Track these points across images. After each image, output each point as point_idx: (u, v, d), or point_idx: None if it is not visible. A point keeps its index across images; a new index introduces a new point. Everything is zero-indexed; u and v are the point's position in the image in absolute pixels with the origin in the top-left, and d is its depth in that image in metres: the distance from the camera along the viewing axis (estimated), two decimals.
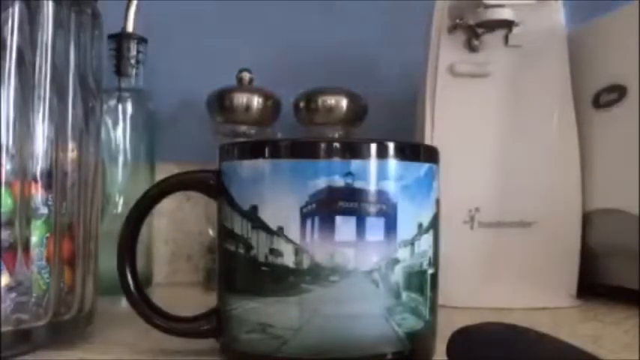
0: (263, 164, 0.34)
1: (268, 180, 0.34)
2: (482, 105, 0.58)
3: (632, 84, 0.55)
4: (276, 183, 0.34)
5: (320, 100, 0.65)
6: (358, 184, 0.33)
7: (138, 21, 0.62)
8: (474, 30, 0.58)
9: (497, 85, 0.58)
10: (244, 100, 0.64)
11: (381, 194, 0.34)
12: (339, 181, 0.33)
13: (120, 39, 0.62)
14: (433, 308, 0.36)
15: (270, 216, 0.34)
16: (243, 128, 0.65)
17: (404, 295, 0.34)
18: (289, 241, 0.33)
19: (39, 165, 0.37)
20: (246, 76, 0.66)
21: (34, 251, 0.36)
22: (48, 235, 0.37)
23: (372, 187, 0.33)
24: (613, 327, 0.47)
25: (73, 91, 0.39)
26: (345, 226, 0.33)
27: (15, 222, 0.35)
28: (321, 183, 0.33)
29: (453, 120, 0.58)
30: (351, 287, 0.33)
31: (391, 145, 0.34)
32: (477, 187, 0.57)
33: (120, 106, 0.62)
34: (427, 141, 0.57)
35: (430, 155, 0.37)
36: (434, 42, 0.60)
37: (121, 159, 0.62)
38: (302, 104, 0.66)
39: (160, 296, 0.38)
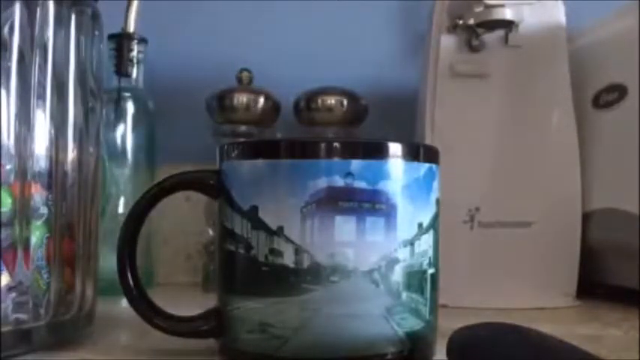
0: (263, 164, 0.34)
1: (268, 180, 0.34)
2: (482, 105, 0.58)
3: (632, 84, 0.55)
4: (276, 183, 0.34)
5: (320, 100, 0.65)
6: (358, 184, 0.33)
7: (138, 21, 0.62)
8: (474, 30, 0.58)
9: (497, 85, 0.58)
10: (244, 100, 0.64)
11: (381, 194, 0.34)
12: (339, 181, 0.33)
13: (120, 39, 0.62)
14: (433, 308, 0.36)
15: (270, 216, 0.34)
16: (243, 128, 0.65)
17: (404, 295, 0.34)
18: (289, 241, 0.33)
19: (39, 165, 0.37)
20: (246, 76, 0.66)
21: (34, 251, 0.36)
22: (48, 235, 0.37)
23: (371, 187, 0.33)
24: (613, 327, 0.47)
25: (73, 91, 0.39)
26: (345, 226, 0.33)
27: (15, 222, 0.35)
28: (321, 183, 0.33)
29: (453, 120, 0.58)
30: (351, 287, 0.33)
31: (391, 145, 0.34)
32: (476, 187, 0.57)
33: (120, 106, 0.62)
34: (427, 141, 0.57)
35: (430, 155, 0.37)
36: (434, 42, 0.60)
37: (121, 159, 0.62)
38: (302, 104, 0.66)
39: (160, 296, 0.38)
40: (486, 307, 0.52)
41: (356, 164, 0.33)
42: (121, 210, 0.61)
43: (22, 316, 0.36)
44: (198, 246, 0.68)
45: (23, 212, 0.36)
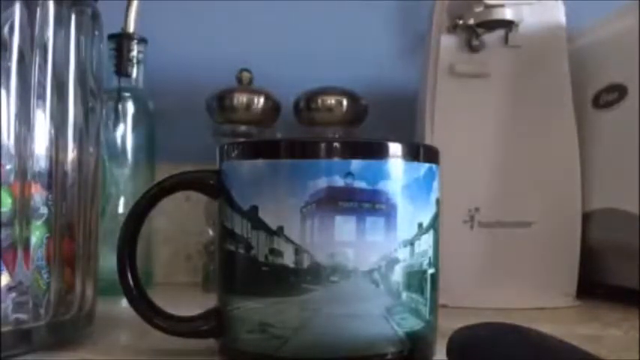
0: (263, 164, 0.34)
1: (268, 180, 0.34)
2: (482, 105, 0.58)
3: (632, 84, 0.55)
4: (276, 183, 0.34)
5: (320, 100, 0.65)
6: (358, 184, 0.33)
7: (138, 21, 0.62)
8: (474, 30, 0.58)
9: (497, 85, 0.58)
10: (244, 100, 0.64)
11: (381, 194, 0.34)
12: (339, 181, 0.33)
13: (120, 39, 0.62)
14: (433, 308, 0.36)
15: (270, 216, 0.34)
16: (243, 128, 0.65)
17: (404, 295, 0.34)
18: (289, 241, 0.33)
19: (39, 165, 0.37)
20: (246, 76, 0.66)
21: (34, 251, 0.36)
22: (48, 235, 0.37)
23: (371, 187, 0.33)
24: (613, 327, 0.47)
25: (73, 91, 0.39)
26: (345, 226, 0.33)
27: (15, 222, 0.35)
28: (321, 183, 0.33)
29: (453, 120, 0.58)
30: (351, 287, 0.33)
31: (391, 145, 0.34)
32: (477, 187, 0.57)
33: (120, 106, 0.62)
34: (427, 141, 0.57)
35: (430, 155, 0.37)
36: (434, 42, 0.60)
37: (121, 159, 0.62)
38: (302, 104, 0.66)
39: (159, 296, 0.38)
40: (486, 307, 0.52)
41: (356, 164, 0.33)
42: (121, 210, 0.61)
43: (22, 316, 0.36)
44: (198, 246, 0.68)
45: (23, 212, 0.36)
